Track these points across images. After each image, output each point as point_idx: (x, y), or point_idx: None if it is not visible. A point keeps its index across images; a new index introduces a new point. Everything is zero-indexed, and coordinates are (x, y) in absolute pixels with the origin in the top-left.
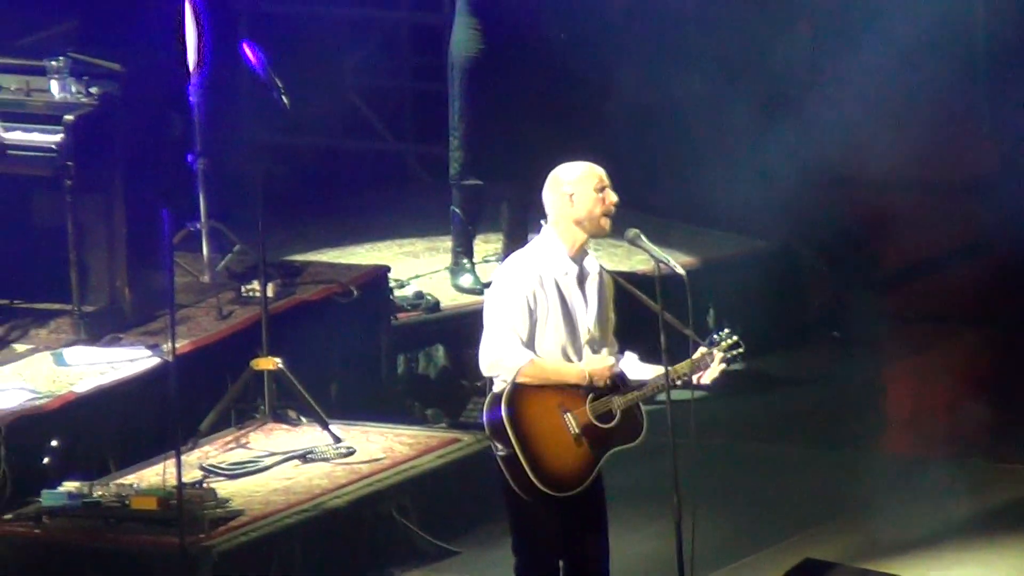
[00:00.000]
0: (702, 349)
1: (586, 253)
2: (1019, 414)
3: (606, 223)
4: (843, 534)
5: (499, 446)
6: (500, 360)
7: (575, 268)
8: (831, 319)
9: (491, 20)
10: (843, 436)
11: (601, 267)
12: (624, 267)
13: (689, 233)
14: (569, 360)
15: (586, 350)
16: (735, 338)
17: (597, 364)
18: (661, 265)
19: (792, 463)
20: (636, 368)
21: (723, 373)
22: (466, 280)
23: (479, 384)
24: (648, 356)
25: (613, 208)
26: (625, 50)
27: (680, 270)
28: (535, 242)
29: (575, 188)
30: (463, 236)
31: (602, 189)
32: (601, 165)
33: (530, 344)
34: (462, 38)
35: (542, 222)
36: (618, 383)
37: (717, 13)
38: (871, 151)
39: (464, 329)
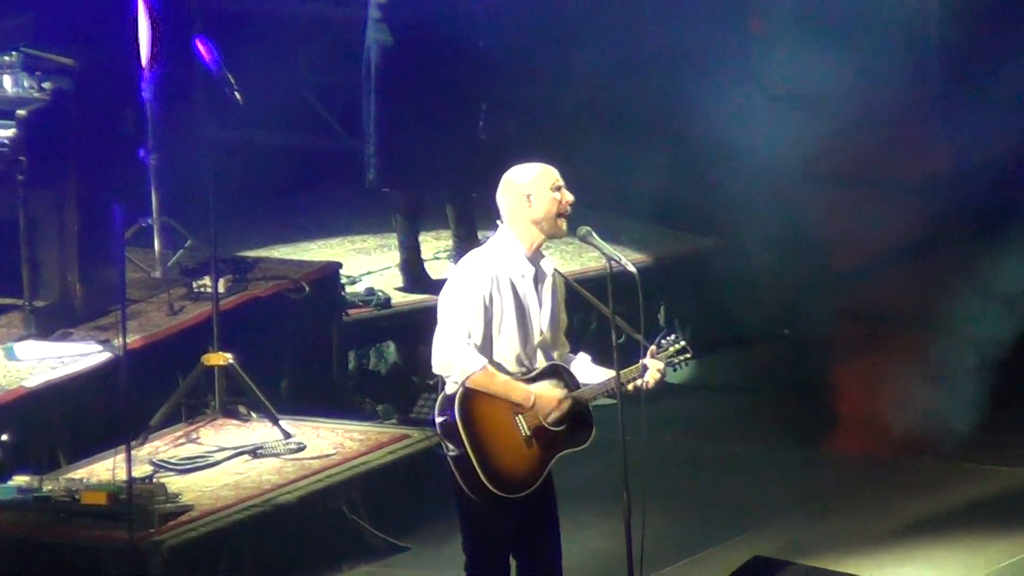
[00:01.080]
0: (651, 350)
1: (542, 255)
2: (970, 413)
3: (562, 223)
4: (792, 532)
5: (450, 446)
6: (453, 362)
7: (532, 269)
8: (782, 317)
9: (402, 26)
10: (793, 435)
11: (556, 269)
12: (576, 265)
13: (640, 231)
14: (522, 361)
15: (539, 352)
16: (682, 343)
17: (546, 395)
18: (612, 262)
19: (742, 461)
20: (587, 370)
21: (663, 376)
22: (412, 274)
23: (430, 381)
24: (599, 357)
25: (569, 208)
26: (577, 48)
27: (631, 268)
28: (492, 242)
29: (532, 189)
30: (407, 235)
31: (558, 189)
32: (552, 163)
33: (484, 345)
34: (374, 45)
35: (498, 222)
36: (570, 385)
37: (670, 10)
38: (823, 149)
39: (415, 326)
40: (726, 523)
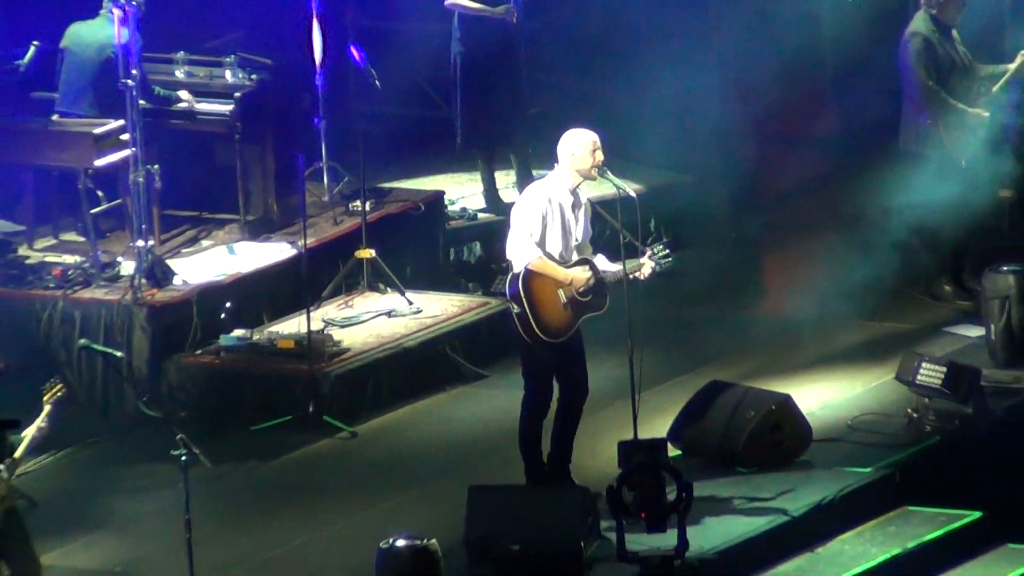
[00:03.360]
0: (648, 253)
1: (579, 190)
2: (851, 287)
3: (594, 173)
4: (738, 365)
5: (515, 307)
6: (520, 251)
7: (571, 199)
8: (730, 226)
9: (473, 43)
10: (739, 302)
11: (588, 199)
12: (596, 192)
13: (638, 169)
14: (563, 257)
15: (573, 252)
16: (667, 250)
17: (580, 276)
18: (620, 191)
19: (704, 320)
20: (604, 264)
21: (656, 270)
22: (492, 200)
23: (504, 265)
24: (611, 256)
25: (600, 163)
26: (593, 51)
27: (632, 194)
28: (549, 177)
29: (576, 148)
30: (486, 173)
31: (595, 151)
32: (587, 127)
33: (540, 243)
34: (457, 55)
35: (556, 164)
36: (594, 272)
37: (658, 22)
38: (752, 114)
39: (493, 231)
40: (694, 360)
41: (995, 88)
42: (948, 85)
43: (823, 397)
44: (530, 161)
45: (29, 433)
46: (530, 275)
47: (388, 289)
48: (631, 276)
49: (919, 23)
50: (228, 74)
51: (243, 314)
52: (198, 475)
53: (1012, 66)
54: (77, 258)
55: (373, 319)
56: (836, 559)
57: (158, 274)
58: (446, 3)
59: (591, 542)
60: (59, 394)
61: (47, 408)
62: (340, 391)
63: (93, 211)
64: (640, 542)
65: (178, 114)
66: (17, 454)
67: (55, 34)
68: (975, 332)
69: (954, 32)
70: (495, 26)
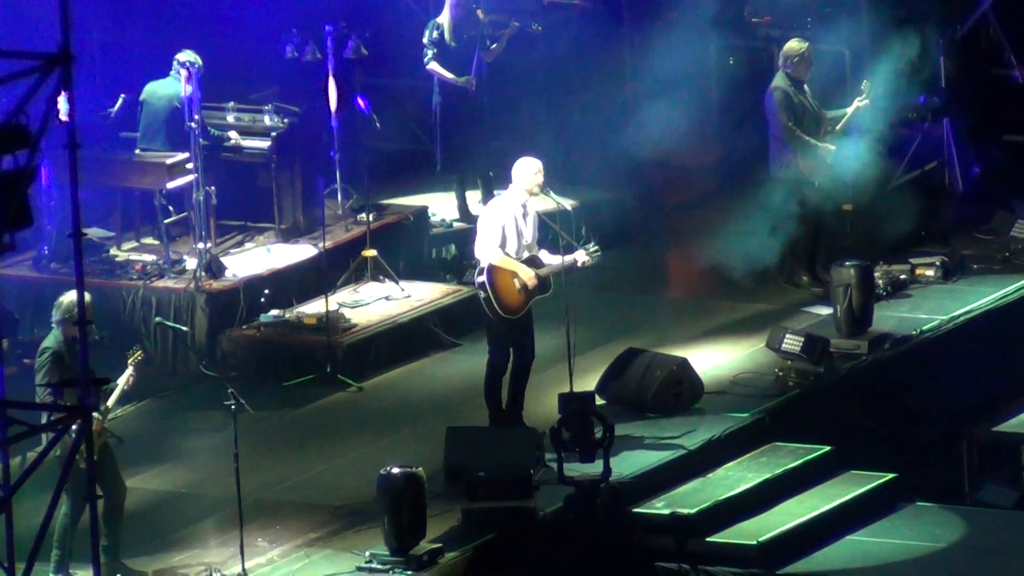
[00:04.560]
0: (581, 251)
1: (527, 203)
2: (733, 276)
3: (537, 190)
4: (648, 336)
5: (482, 293)
6: (485, 251)
7: (522, 211)
8: (641, 231)
9: (448, 95)
10: (649, 289)
11: (535, 210)
12: (542, 207)
13: (570, 188)
14: (517, 253)
15: (524, 250)
16: (597, 247)
17: (531, 272)
18: (559, 205)
19: (624, 302)
20: (548, 258)
21: (587, 263)
22: (464, 213)
23: (473, 263)
24: (552, 251)
25: (543, 184)
26: (538, 96)
27: (568, 207)
28: (505, 194)
29: (525, 172)
30: (460, 192)
31: (537, 173)
32: (533, 156)
33: (500, 244)
34: (436, 104)
35: (510, 184)
36: (540, 265)
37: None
38: (657, 146)
39: (464, 236)
40: (615, 332)
41: (838, 128)
42: (803, 126)
43: (712, 360)
44: (492, 182)
45: (119, 387)
46: (493, 269)
47: (386, 279)
48: (579, 265)
49: (779, 79)
50: (266, 119)
51: (277, 298)
52: (244, 419)
53: (849, 111)
54: (153, 257)
55: (375, 302)
56: (721, 482)
57: (214, 268)
58: (427, 68)
59: (538, 469)
60: (139, 358)
61: (130, 368)
62: (350, 356)
63: (166, 221)
64: (575, 469)
65: (229, 148)
66: (110, 403)
67: (137, 89)
68: (825, 311)
69: (805, 86)
70: (462, 86)
